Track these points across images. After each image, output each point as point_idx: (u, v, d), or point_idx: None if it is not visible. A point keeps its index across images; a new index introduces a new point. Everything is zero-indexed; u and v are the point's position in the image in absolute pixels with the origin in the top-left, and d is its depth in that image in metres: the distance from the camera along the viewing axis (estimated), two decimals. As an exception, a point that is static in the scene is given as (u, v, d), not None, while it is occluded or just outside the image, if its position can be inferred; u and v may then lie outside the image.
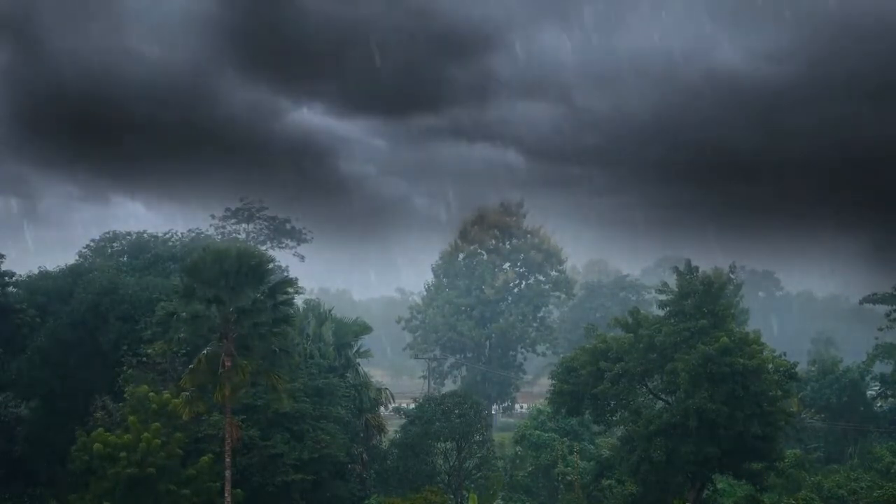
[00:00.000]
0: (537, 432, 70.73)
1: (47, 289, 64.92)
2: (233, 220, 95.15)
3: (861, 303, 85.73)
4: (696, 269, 55.47)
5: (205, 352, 46.80)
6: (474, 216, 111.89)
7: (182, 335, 50.03)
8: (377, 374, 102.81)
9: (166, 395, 49.39)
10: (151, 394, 49.58)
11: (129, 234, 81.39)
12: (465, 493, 63.48)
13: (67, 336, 60.09)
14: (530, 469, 69.15)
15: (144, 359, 54.61)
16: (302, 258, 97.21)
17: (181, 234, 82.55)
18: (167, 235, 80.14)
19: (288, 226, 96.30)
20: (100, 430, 48.38)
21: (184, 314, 47.07)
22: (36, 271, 69.07)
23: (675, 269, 56.36)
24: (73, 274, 66.12)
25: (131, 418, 48.00)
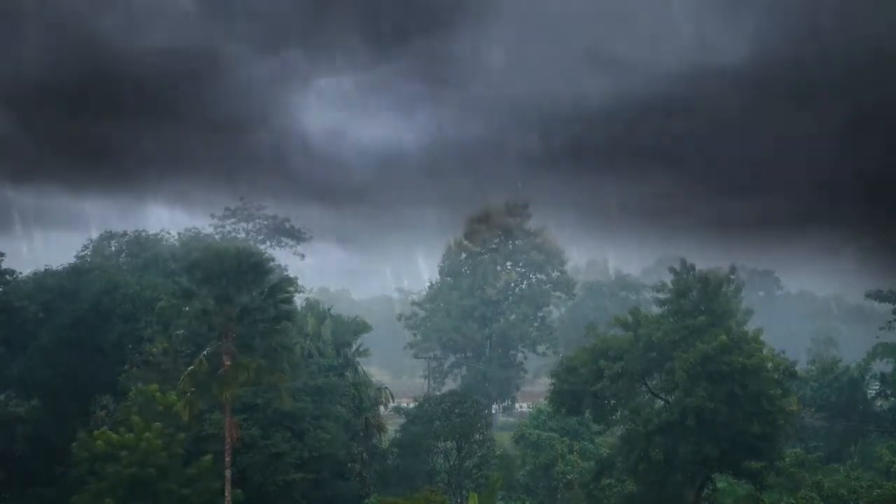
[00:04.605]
0: (536, 431, 70.76)
1: (51, 287, 65.00)
2: (232, 220, 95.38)
3: (865, 297, 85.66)
4: (692, 267, 55.41)
5: (205, 353, 46.89)
6: (478, 215, 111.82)
7: (182, 332, 50.12)
8: (377, 373, 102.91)
9: (172, 396, 49.41)
10: (158, 394, 49.65)
11: (125, 233, 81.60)
12: (464, 492, 63.50)
13: (69, 335, 60.14)
14: (529, 468, 69.16)
15: (150, 357, 54.70)
16: (302, 257, 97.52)
17: (178, 233, 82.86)
18: (159, 235, 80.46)
19: (287, 224, 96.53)
20: (103, 428, 48.39)
21: (186, 309, 47.20)
22: (41, 269, 69.27)
23: (672, 269, 56.33)
24: (75, 273, 66.16)
25: (135, 418, 48.01)
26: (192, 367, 46.88)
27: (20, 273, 66.52)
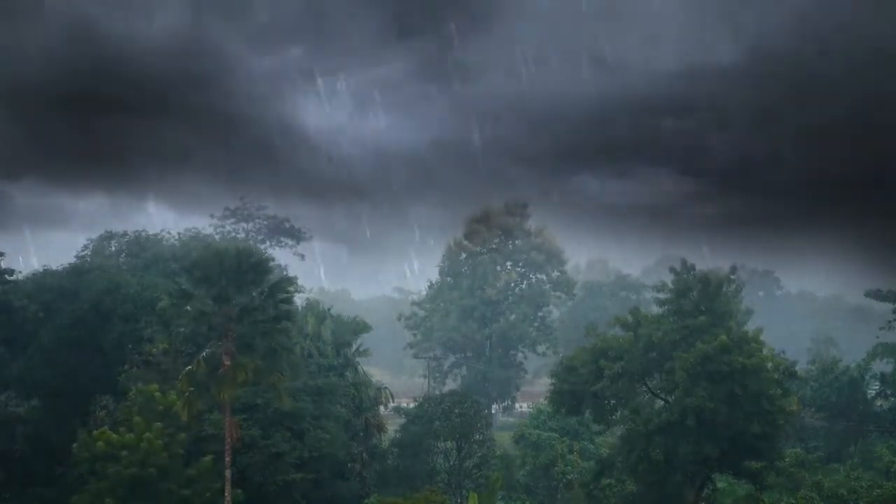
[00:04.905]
0: (536, 432, 70.76)
1: (52, 286, 65.02)
2: (232, 220, 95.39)
3: (865, 296, 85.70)
4: (693, 267, 55.44)
5: (203, 354, 46.87)
6: (477, 215, 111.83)
7: (182, 329, 50.09)
8: (377, 373, 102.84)
9: (172, 396, 49.38)
10: (158, 394, 49.62)
11: (125, 233, 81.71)
12: (464, 492, 63.49)
13: (69, 335, 60.12)
14: (529, 468, 69.14)
15: (151, 357, 54.71)
16: (302, 257, 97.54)
17: (179, 233, 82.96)
18: (159, 235, 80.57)
19: (287, 224, 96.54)
20: (104, 428, 48.34)
21: (187, 308, 47.18)
22: (40, 269, 69.28)
23: (672, 269, 56.34)
24: (75, 273, 66.16)
25: (136, 418, 47.98)
26: (189, 367, 46.87)
27: (20, 273, 66.51)
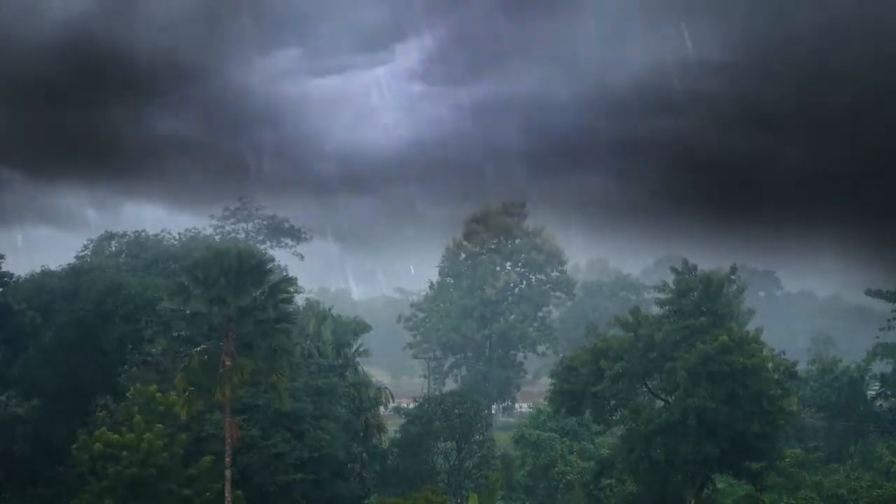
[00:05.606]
0: (536, 432, 70.79)
1: (51, 287, 64.94)
2: (231, 220, 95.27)
3: (866, 294, 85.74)
4: (695, 267, 55.52)
5: (197, 350, 46.76)
6: (476, 216, 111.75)
7: (183, 333, 50.02)
8: (377, 373, 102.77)
9: (172, 396, 49.34)
10: (158, 394, 49.59)
11: (125, 234, 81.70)
12: (464, 492, 63.50)
13: (70, 335, 60.12)
14: (529, 469, 69.17)
15: (149, 357, 54.69)
16: (301, 257, 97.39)
17: (178, 234, 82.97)
18: (159, 236, 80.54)
19: (286, 225, 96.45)
20: (103, 429, 48.31)
21: (186, 311, 47.11)
22: (38, 270, 69.22)
23: (673, 269, 56.39)
24: (75, 273, 66.12)
25: (137, 417, 47.95)
26: (184, 365, 46.87)
27: (19, 277, 66.38)
